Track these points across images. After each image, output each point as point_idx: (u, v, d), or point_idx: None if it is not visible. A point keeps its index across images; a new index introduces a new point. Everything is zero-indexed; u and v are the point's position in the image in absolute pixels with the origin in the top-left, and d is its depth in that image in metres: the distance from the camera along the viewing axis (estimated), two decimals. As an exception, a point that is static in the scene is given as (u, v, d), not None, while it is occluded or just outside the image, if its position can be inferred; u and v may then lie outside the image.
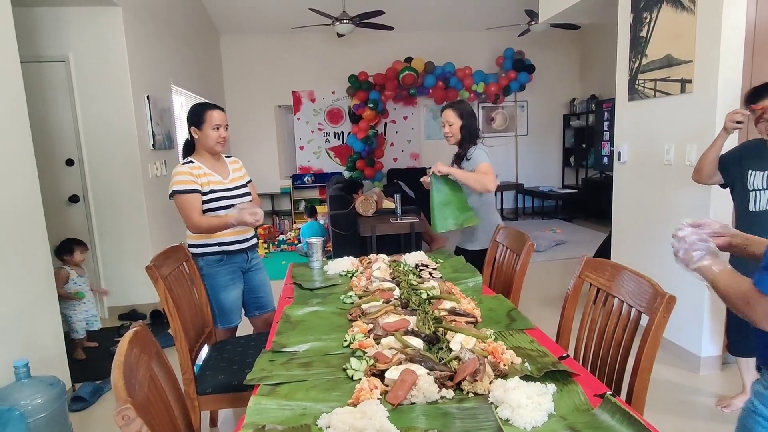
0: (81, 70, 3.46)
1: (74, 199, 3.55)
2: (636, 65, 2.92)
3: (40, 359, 2.22)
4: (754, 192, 1.97)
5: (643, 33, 2.84)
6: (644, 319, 1.31)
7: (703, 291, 2.48)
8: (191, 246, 2.14)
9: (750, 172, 1.97)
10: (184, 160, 2.13)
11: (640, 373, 1.25)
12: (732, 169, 2.05)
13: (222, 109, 2.14)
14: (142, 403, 0.92)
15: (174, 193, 2.03)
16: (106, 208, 3.63)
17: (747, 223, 1.97)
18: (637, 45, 2.90)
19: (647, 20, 2.80)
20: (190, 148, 2.19)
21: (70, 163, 3.52)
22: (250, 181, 2.31)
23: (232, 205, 2.13)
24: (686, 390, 2.42)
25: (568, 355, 1.29)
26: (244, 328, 2.30)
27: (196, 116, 2.10)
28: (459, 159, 2.47)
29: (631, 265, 1.46)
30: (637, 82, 2.93)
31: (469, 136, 2.44)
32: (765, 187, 1.95)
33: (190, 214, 2.01)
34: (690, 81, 2.51)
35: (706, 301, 2.50)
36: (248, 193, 2.26)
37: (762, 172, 1.95)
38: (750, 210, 1.99)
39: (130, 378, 0.90)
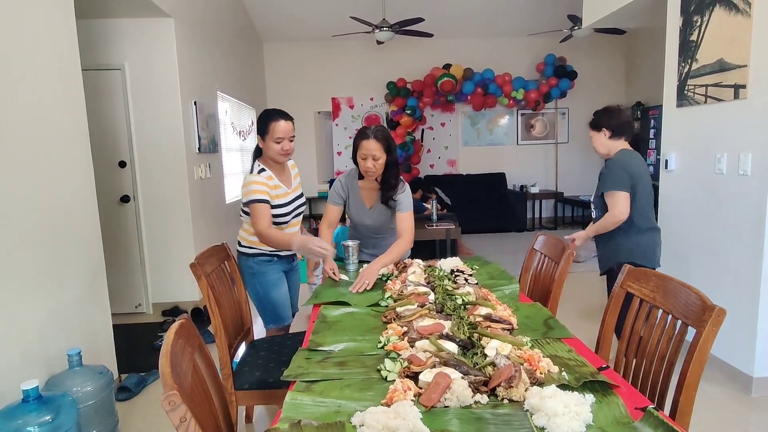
0: (135, 77, 3.65)
1: (125, 199, 3.74)
2: (685, 70, 2.81)
3: (90, 349, 2.34)
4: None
5: (694, 37, 2.73)
6: (690, 333, 1.26)
7: (756, 305, 2.35)
8: (242, 246, 2.19)
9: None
10: (259, 168, 2.10)
11: (686, 388, 1.20)
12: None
13: (290, 118, 2.08)
14: (186, 391, 0.96)
15: (251, 202, 2.03)
16: (153, 208, 3.80)
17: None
18: (687, 49, 2.79)
19: (698, 23, 2.70)
20: (259, 152, 2.16)
21: (122, 164, 3.72)
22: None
23: (292, 215, 2.16)
24: (736, 411, 2.29)
25: (608, 366, 1.26)
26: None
27: (262, 125, 2.07)
28: (386, 201, 2.23)
29: (676, 278, 1.40)
30: (686, 88, 2.82)
31: (396, 175, 2.18)
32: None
33: (259, 221, 2.01)
34: (744, 86, 2.39)
35: (759, 317, 2.36)
36: (304, 204, 2.26)
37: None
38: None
39: (176, 367, 0.94)
